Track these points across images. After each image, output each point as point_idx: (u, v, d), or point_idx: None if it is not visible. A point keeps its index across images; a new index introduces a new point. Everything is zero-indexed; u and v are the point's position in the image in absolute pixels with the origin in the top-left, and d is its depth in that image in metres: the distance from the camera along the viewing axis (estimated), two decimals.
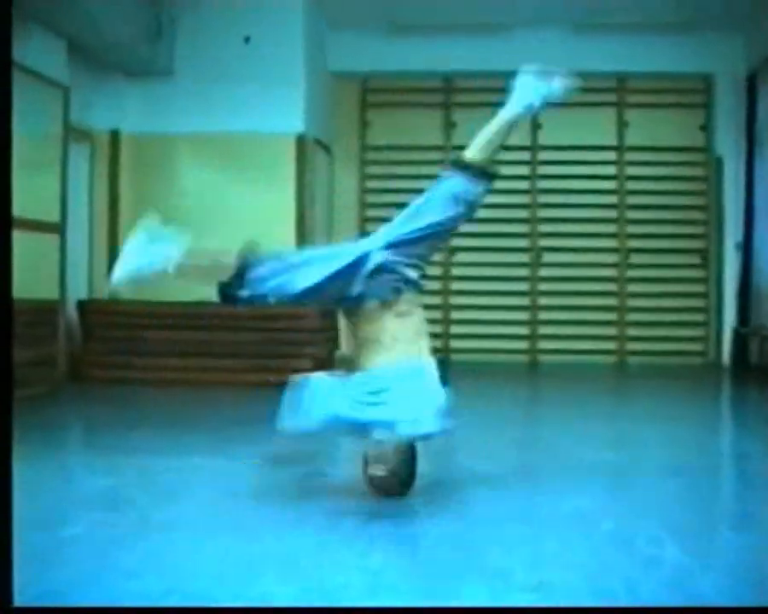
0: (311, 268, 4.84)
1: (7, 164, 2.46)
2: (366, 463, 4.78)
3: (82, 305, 10.67)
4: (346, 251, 4.89)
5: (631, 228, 13.85)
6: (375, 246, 4.85)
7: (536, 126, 13.82)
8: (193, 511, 4.63)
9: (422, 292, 4.97)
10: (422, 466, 4.85)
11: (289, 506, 4.76)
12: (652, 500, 5.02)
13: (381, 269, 4.78)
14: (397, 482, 4.75)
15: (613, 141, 13.93)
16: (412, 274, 4.84)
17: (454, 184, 4.88)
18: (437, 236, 4.96)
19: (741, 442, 7.70)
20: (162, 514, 4.56)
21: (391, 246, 4.83)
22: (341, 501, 4.74)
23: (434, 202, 4.89)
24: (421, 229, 4.85)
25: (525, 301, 13.94)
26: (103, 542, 4.05)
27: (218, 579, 3.53)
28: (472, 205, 4.92)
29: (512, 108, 5.01)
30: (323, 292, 4.87)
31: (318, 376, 4.71)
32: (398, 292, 4.81)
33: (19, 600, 3.21)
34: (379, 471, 4.68)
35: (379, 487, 4.75)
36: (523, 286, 13.94)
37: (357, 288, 4.77)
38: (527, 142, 13.91)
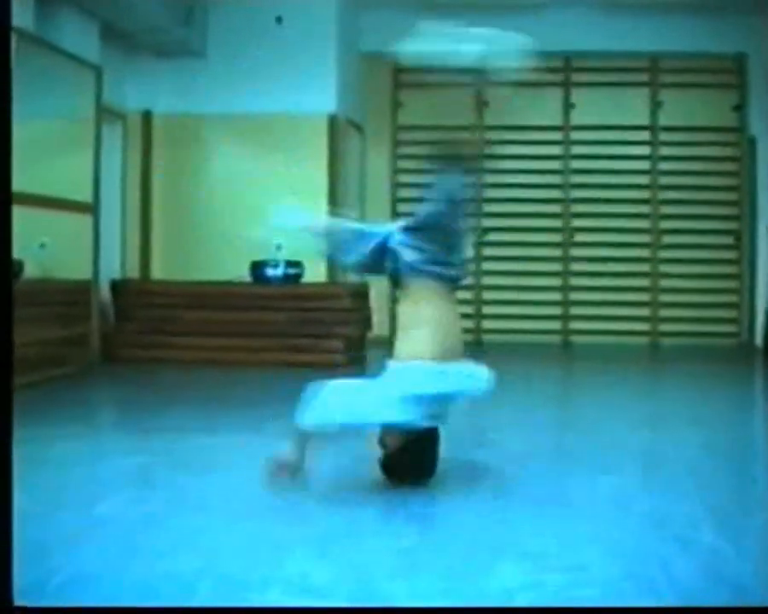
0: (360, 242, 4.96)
1: (7, 148, 2.45)
2: (383, 451, 4.70)
3: (115, 285, 10.69)
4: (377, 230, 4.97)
5: (664, 209, 13.77)
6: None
7: (568, 106, 13.77)
8: (225, 490, 4.64)
9: (452, 284, 4.92)
10: (456, 446, 4.83)
11: (322, 485, 4.76)
12: (687, 480, 4.98)
13: (385, 249, 4.85)
14: (413, 468, 4.67)
15: (646, 122, 13.82)
16: (409, 256, 4.79)
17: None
18: (432, 226, 4.91)
19: None
20: (194, 493, 4.57)
21: (403, 230, 4.87)
22: (375, 480, 4.72)
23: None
24: (417, 219, 4.88)
25: (557, 282, 13.88)
26: (136, 522, 4.06)
27: (250, 560, 3.53)
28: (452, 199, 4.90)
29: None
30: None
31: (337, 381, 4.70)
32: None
33: (53, 581, 3.23)
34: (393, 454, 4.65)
35: (395, 473, 4.68)
36: (555, 267, 13.87)
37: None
38: (560, 122, 13.86)
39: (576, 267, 13.85)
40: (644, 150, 13.83)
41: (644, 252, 13.79)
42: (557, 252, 13.84)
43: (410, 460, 4.63)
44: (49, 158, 8.79)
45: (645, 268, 13.79)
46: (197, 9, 11.26)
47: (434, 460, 4.73)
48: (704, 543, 3.79)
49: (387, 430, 4.60)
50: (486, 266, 13.82)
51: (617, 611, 3.09)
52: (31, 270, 8.21)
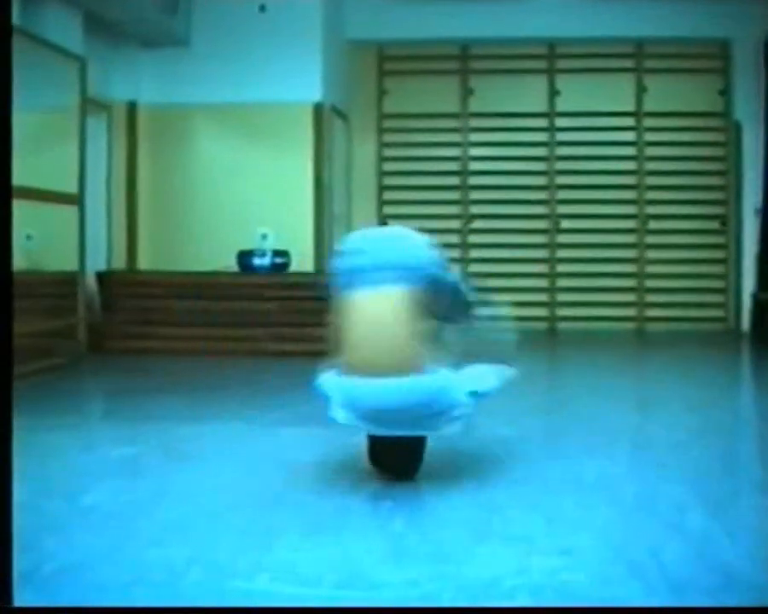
0: None
1: (7, 138, 2.43)
2: (371, 445, 4.68)
3: (101, 276, 10.67)
4: None
5: (650, 194, 13.78)
6: None
7: (553, 92, 13.78)
8: (214, 478, 4.64)
9: None
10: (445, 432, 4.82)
11: (311, 471, 4.76)
12: (676, 464, 5.00)
13: None
14: (399, 463, 4.64)
15: (632, 107, 13.83)
16: None
17: None
18: None
19: (763, 407, 7.67)
20: (183, 482, 4.57)
21: None
22: (362, 468, 4.73)
23: None
24: None
25: (543, 268, 13.90)
26: (125, 511, 4.06)
27: (238, 547, 3.54)
28: None
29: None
30: None
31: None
32: None
33: (44, 569, 3.23)
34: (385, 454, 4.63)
35: (384, 467, 4.66)
36: (541, 253, 13.88)
37: None
38: (545, 109, 13.86)
39: (562, 253, 13.86)
40: (630, 136, 13.83)
41: (630, 238, 13.79)
42: (543, 239, 13.85)
43: (397, 455, 4.62)
44: (34, 149, 8.75)
45: (631, 253, 13.80)
46: None
47: (420, 459, 4.68)
48: (693, 527, 3.81)
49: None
50: (473, 253, 13.83)
51: (614, 611, 3.08)
52: (17, 262, 8.17)
